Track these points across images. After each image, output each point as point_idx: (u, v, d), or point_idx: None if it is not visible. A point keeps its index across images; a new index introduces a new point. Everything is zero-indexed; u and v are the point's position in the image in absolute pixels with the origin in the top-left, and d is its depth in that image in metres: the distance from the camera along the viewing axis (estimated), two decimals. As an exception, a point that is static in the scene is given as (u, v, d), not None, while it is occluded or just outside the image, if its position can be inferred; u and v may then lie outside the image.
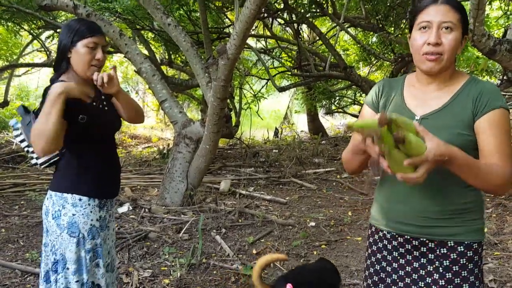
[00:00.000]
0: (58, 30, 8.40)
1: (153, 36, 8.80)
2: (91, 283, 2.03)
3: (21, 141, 2.08)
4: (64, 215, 1.97)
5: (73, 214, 1.97)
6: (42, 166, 2.08)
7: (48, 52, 9.98)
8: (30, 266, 3.45)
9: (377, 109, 1.61)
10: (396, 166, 1.27)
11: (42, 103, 1.90)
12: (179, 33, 5.04)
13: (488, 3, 7.17)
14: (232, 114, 7.74)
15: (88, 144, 2.04)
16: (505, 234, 4.19)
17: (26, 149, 2.10)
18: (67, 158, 2.03)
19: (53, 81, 1.96)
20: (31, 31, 8.91)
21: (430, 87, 1.53)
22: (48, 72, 16.24)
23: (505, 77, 7.48)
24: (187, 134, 5.09)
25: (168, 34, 5.61)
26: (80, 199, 1.99)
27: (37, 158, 2.06)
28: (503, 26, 8.90)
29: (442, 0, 1.44)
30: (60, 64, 1.99)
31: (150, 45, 8.77)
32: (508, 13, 8.14)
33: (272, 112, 18.76)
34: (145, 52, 7.95)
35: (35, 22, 8.17)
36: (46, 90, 1.91)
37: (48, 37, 9.78)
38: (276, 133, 13.48)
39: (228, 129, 6.31)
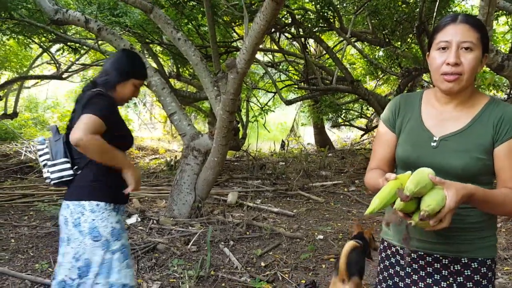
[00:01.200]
0: (68, 43, 8.55)
1: (161, 49, 8.91)
2: (121, 285, 2.09)
3: (42, 155, 2.19)
4: (84, 221, 2.05)
5: (93, 220, 2.06)
6: (53, 182, 2.15)
7: (57, 65, 10.12)
8: (40, 276, 3.47)
9: (393, 128, 1.59)
10: (421, 226, 1.30)
11: (80, 108, 2.06)
12: (188, 47, 5.11)
13: (495, 18, 7.22)
14: (239, 126, 7.79)
15: None
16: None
17: (44, 162, 2.18)
18: (88, 169, 2.13)
19: (99, 92, 2.13)
20: (41, 44, 9.06)
21: (448, 106, 1.51)
22: (58, 84, 16.45)
23: (511, 92, 7.50)
24: (196, 146, 5.13)
25: (177, 48, 5.70)
26: (97, 205, 2.09)
27: (51, 178, 2.14)
28: (509, 41, 8.93)
29: (461, 19, 1.42)
30: (111, 83, 2.20)
31: (159, 58, 8.88)
32: (515, 27, 8.18)
33: (279, 125, 18.79)
34: (154, 65, 8.05)
35: (45, 35, 8.31)
36: (91, 96, 2.07)
37: (58, 50, 9.94)
38: (282, 146, 13.50)
39: (235, 141, 6.35)
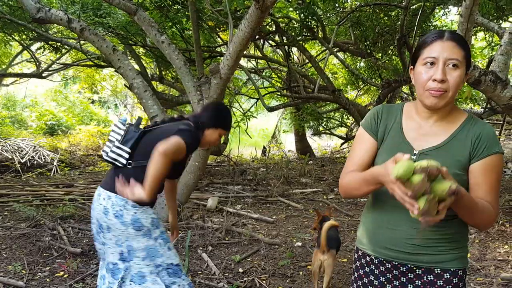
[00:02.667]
0: (49, 42, 8.43)
1: (144, 51, 8.86)
2: (167, 264, 2.32)
3: (116, 132, 2.39)
4: (127, 214, 2.24)
5: (134, 213, 2.25)
6: (105, 158, 2.37)
7: (37, 63, 9.96)
8: (12, 278, 3.41)
9: (375, 135, 1.60)
10: (429, 210, 1.26)
11: (170, 129, 2.33)
12: (172, 51, 5.10)
13: (473, 34, 7.42)
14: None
15: None
16: (488, 260, 4.26)
17: (113, 139, 2.39)
18: (135, 174, 2.28)
19: (194, 127, 2.39)
20: (22, 42, 8.91)
21: (429, 121, 1.54)
22: (37, 82, 16.18)
23: (488, 106, 7.71)
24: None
25: (160, 51, 5.68)
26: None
27: (108, 154, 2.36)
28: (487, 56, 9.19)
29: (448, 37, 1.44)
30: (204, 125, 2.45)
31: (142, 60, 8.82)
32: (492, 44, 8.43)
33: (261, 131, 18.84)
34: (136, 67, 8.00)
35: (26, 33, 8.18)
36: (189, 127, 2.34)
37: (39, 48, 9.78)
38: (264, 152, 13.54)
39: (216, 146, 6.35)
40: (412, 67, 1.54)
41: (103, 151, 2.40)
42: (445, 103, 1.46)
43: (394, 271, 1.55)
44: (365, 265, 1.64)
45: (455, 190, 1.22)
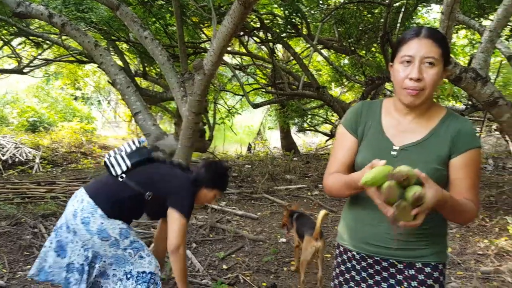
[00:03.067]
0: (31, 37, 8.28)
1: (128, 47, 8.77)
2: (138, 273, 2.32)
3: (128, 146, 2.45)
4: (93, 222, 2.21)
5: (101, 223, 2.22)
6: (105, 161, 2.39)
7: (19, 59, 9.77)
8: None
9: (355, 133, 1.61)
10: (401, 215, 1.29)
11: (181, 191, 2.40)
12: (155, 46, 5.06)
13: (455, 31, 7.53)
14: (206, 128, 7.76)
15: None
16: (468, 254, 4.33)
17: (123, 149, 2.44)
18: (119, 188, 2.33)
19: (189, 186, 2.44)
20: (2, 37, 8.73)
21: (408, 117, 1.55)
22: (18, 78, 15.88)
23: (469, 103, 7.84)
24: (160, 147, 5.08)
25: (144, 46, 5.63)
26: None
27: (109, 159, 2.39)
28: (469, 54, 9.33)
29: (425, 34, 1.45)
30: (200, 184, 2.48)
31: (125, 56, 8.73)
32: (474, 42, 8.56)
33: (246, 128, 18.83)
34: (119, 63, 7.91)
35: (6, 28, 8.02)
36: (183, 186, 2.40)
37: (20, 44, 9.60)
38: (249, 149, 13.54)
39: (201, 143, 6.32)
40: (391, 63, 1.55)
41: (108, 154, 2.43)
42: (422, 100, 1.47)
43: (376, 266, 1.56)
44: (346, 261, 1.64)
45: (418, 196, 1.24)
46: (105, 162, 2.39)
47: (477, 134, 1.53)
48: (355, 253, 1.61)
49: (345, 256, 1.65)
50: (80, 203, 2.26)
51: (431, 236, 1.53)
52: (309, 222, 3.65)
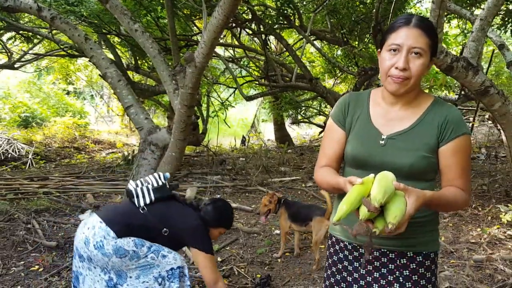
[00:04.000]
0: (20, 32, 8.19)
1: (119, 40, 8.70)
2: (166, 271, 2.38)
3: (154, 180, 2.50)
4: (107, 244, 2.24)
5: (115, 242, 2.25)
6: (129, 187, 2.47)
7: (9, 54, 9.66)
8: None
9: (343, 125, 1.62)
10: (380, 224, 1.32)
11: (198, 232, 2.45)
12: (146, 39, 5.02)
13: (447, 21, 7.52)
14: (199, 121, 7.73)
15: None
16: (461, 243, 4.36)
17: (148, 182, 2.50)
18: (140, 218, 2.38)
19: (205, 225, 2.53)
20: (-9, 32, 8.62)
21: (395, 106, 1.55)
22: (9, 73, 15.72)
23: (462, 92, 7.85)
24: (153, 140, 5.06)
25: (135, 40, 5.59)
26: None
27: (134, 187, 2.45)
28: (461, 43, 9.34)
29: (414, 23, 1.43)
30: (209, 224, 2.56)
31: (117, 49, 8.66)
32: (466, 31, 8.56)
33: (240, 120, 18.81)
34: (111, 56, 7.85)
35: (-5, 22, 7.92)
36: (202, 229, 2.47)
37: (9, 39, 9.49)
38: (243, 141, 13.52)
39: (195, 136, 6.31)
40: (379, 50, 1.55)
41: (135, 183, 2.47)
42: (407, 89, 1.47)
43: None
44: (338, 251, 1.65)
45: (391, 230, 1.26)
46: (129, 191, 2.43)
47: (465, 121, 1.53)
48: (346, 243, 1.62)
49: (337, 247, 1.66)
50: (92, 229, 2.28)
51: (422, 225, 1.53)
52: (304, 206, 4.12)
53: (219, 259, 3.93)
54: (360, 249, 1.58)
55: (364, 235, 1.31)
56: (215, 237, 2.69)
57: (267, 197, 4.08)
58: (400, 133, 1.51)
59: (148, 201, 2.40)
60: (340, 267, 1.63)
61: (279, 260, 4.00)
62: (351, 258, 1.61)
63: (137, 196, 2.40)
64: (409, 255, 1.53)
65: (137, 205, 2.39)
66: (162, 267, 2.37)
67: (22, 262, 3.72)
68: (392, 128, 1.53)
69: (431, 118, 1.51)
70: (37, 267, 3.61)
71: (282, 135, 13.71)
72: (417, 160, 1.45)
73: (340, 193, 1.57)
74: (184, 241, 2.48)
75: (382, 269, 1.55)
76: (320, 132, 13.99)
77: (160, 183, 2.48)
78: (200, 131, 7.64)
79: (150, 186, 2.44)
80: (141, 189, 2.42)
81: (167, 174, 2.59)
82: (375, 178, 1.31)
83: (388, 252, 1.54)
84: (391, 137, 1.51)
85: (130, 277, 2.33)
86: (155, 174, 2.55)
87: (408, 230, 1.49)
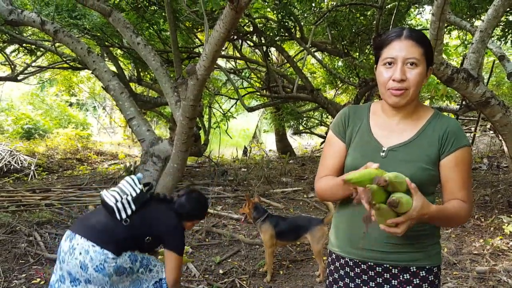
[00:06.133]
0: (24, 45, 8.27)
1: (122, 53, 8.77)
2: (153, 284, 2.46)
3: (132, 188, 2.45)
4: (108, 266, 2.26)
5: (116, 263, 2.28)
6: (109, 204, 2.36)
7: (12, 66, 9.74)
8: (-13, 287, 3.33)
9: (343, 138, 1.63)
10: (381, 219, 1.32)
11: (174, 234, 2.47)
12: (148, 52, 5.07)
13: (447, 32, 7.57)
14: (201, 132, 7.76)
15: None
16: (464, 254, 4.34)
17: (128, 193, 2.42)
18: (122, 231, 2.35)
19: (178, 222, 2.55)
20: (-5, 45, 8.71)
21: (395, 118, 1.57)
22: (12, 86, 15.84)
23: (463, 102, 7.86)
24: (155, 152, 5.08)
25: (138, 52, 5.64)
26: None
27: (114, 202, 2.37)
28: (461, 54, 9.38)
29: (406, 35, 1.46)
30: (185, 217, 2.60)
31: (119, 62, 8.72)
32: (466, 42, 8.60)
33: (241, 131, 18.84)
34: (114, 69, 7.90)
35: (-1, 35, 8.01)
36: (175, 227, 2.49)
37: (13, 51, 9.58)
38: (245, 152, 13.53)
39: (196, 147, 6.33)
40: (375, 66, 1.57)
41: (112, 196, 2.38)
42: (407, 100, 1.49)
43: (370, 272, 1.55)
44: (339, 268, 1.62)
45: (393, 201, 1.26)
46: (110, 207, 2.34)
47: (465, 132, 1.55)
48: (348, 260, 1.59)
49: (337, 264, 1.63)
50: (86, 254, 2.24)
51: (424, 238, 1.52)
52: (293, 221, 4.05)
53: (220, 271, 3.92)
54: (362, 265, 1.56)
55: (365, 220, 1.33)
56: (190, 228, 2.73)
57: (247, 201, 4.01)
58: (400, 145, 1.52)
59: (129, 212, 2.36)
60: (342, 285, 1.61)
61: (281, 272, 3.98)
62: (352, 275, 1.58)
63: (119, 211, 2.35)
64: (412, 270, 1.51)
65: (119, 219, 2.34)
66: (149, 281, 2.44)
67: (24, 275, 3.72)
68: (392, 140, 1.54)
69: (431, 130, 1.52)
70: (38, 279, 3.61)
71: (283, 146, 13.72)
72: (417, 171, 1.45)
73: (342, 197, 1.57)
74: (163, 242, 2.49)
75: (385, 286, 1.53)
76: (322, 143, 13.99)
77: (138, 191, 2.43)
78: (202, 142, 7.67)
79: (129, 198, 2.38)
80: (122, 202, 2.36)
81: (140, 175, 2.54)
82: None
83: (391, 268, 1.52)
84: (392, 149, 1.52)
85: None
86: (129, 180, 2.48)
87: (409, 243, 1.49)
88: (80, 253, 2.24)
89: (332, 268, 1.66)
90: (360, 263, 1.56)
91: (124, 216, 2.35)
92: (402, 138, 1.53)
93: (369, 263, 1.54)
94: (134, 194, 2.41)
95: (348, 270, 1.59)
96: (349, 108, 1.69)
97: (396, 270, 1.52)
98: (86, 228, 2.34)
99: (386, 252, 1.51)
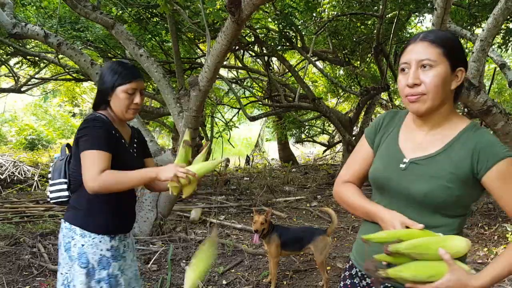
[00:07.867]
0: (27, 57, 8.35)
1: (125, 64, 8.81)
2: None
3: (49, 173, 2.12)
4: (74, 246, 1.95)
5: (82, 245, 1.95)
6: (52, 202, 2.08)
7: (16, 78, 9.83)
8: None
9: (372, 143, 1.56)
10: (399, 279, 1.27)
11: (82, 133, 1.91)
12: (151, 64, 5.10)
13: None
14: (203, 142, 7.77)
15: None
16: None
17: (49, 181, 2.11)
18: (81, 192, 1.97)
19: (93, 116, 1.98)
20: (-1, 57, 8.80)
21: (424, 128, 1.45)
22: (16, 97, 15.94)
23: (465, 110, 7.87)
24: (158, 162, 5.09)
25: (140, 64, 5.68)
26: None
27: (50, 197, 2.07)
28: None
29: (421, 38, 1.37)
30: (99, 104, 2.06)
31: (122, 73, 8.76)
32: (467, 50, 8.62)
33: (244, 140, 18.88)
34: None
35: (3, 48, 8.09)
36: (88, 120, 1.94)
37: (17, 63, 9.67)
38: (247, 161, 13.55)
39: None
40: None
41: (48, 194, 2.10)
42: (428, 107, 1.36)
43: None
44: (353, 275, 1.60)
45: (387, 251, 1.22)
46: (54, 203, 2.09)
47: (501, 144, 1.35)
48: (357, 270, 1.57)
49: (353, 271, 1.61)
50: (61, 231, 2.03)
51: None
52: (298, 231, 4.10)
53: (224, 282, 3.92)
54: (367, 279, 1.53)
55: (371, 273, 1.28)
56: (130, 101, 2.05)
57: (263, 216, 3.83)
58: (423, 158, 1.39)
59: (65, 186, 2.04)
60: None
61: (284, 282, 3.98)
62: (360, 287, 1.56)
63: (59, 199, 2.05)
64: None
65: (69, 197, 2.05)
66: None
67: (28, 287, 3.72)
68: (417, 152, 1.42)
69: (460, 144, 1.37)
70: (42, 291, 3.61)
71: (286, 154, 13.74)
72: (435, 190, 1.32)
73: (366, 218, 1.52)
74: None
75: None
76: (324, 151, 14.01)
77: (52, 167, 2.09)
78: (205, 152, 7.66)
79: (51, 182, 2.07)
80: (51, 192, 2.05)
81: (56, 154, 2.15)
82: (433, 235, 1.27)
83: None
84: (414, 161, 1.41)
85: None
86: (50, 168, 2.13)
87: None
88: (60, 230, 2.05)
89: (347, 274, 1.63)
90: (366, 276, 1.53)
91: (66, 193, 2.04)
92: (427, 151, 1.40)
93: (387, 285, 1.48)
94: (50, 175, 2.10)
95: (357, 282, 1.58)
96: (388, 113, 1.60)
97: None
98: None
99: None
